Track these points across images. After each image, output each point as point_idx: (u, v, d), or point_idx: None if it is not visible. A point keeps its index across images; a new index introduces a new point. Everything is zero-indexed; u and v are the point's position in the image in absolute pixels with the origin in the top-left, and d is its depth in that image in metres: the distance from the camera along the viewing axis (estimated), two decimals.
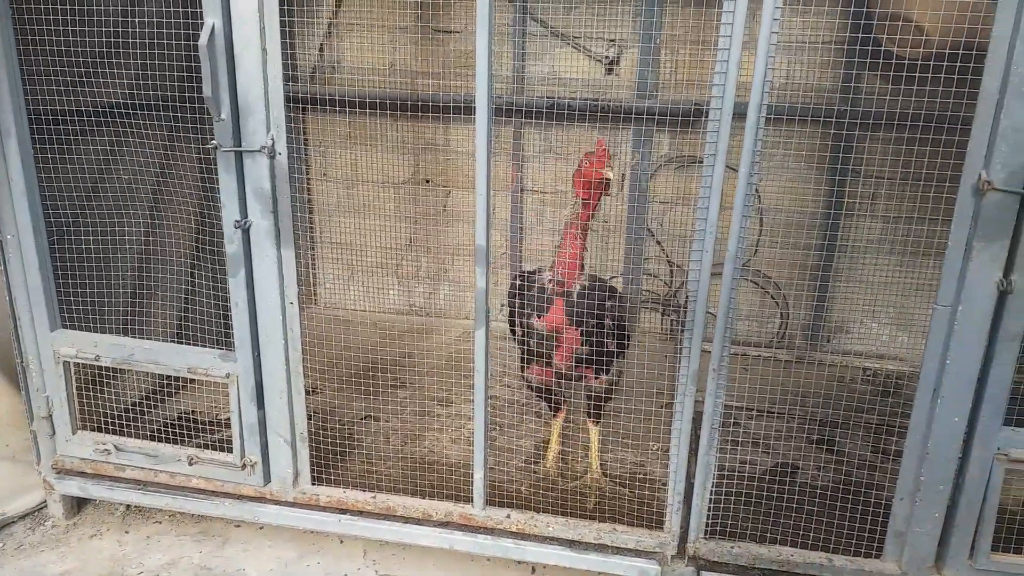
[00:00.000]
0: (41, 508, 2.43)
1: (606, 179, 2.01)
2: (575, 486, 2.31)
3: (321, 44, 3.48)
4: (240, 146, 1.92)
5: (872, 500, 2.20)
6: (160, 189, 2.60)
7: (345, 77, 3.53)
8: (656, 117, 3.25)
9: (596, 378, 2.14)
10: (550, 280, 2.05)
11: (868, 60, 3.04)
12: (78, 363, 2.23)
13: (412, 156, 3.58)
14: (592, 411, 2.26)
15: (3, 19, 1.97)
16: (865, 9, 2.72)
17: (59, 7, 2.05)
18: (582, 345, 2.04)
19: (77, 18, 2.09)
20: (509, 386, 3.06)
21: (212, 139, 1.91)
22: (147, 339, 2.27)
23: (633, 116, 3.27)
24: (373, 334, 3.56)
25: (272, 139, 1.91)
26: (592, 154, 2.04)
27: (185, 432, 2.38)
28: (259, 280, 2.02)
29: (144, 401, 2.52)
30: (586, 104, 3.28)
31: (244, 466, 2.18)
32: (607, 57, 3.34)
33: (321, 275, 3.83)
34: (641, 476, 2.41)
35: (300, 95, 3.50)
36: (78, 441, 2.29)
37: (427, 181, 3.61)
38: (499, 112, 3.35)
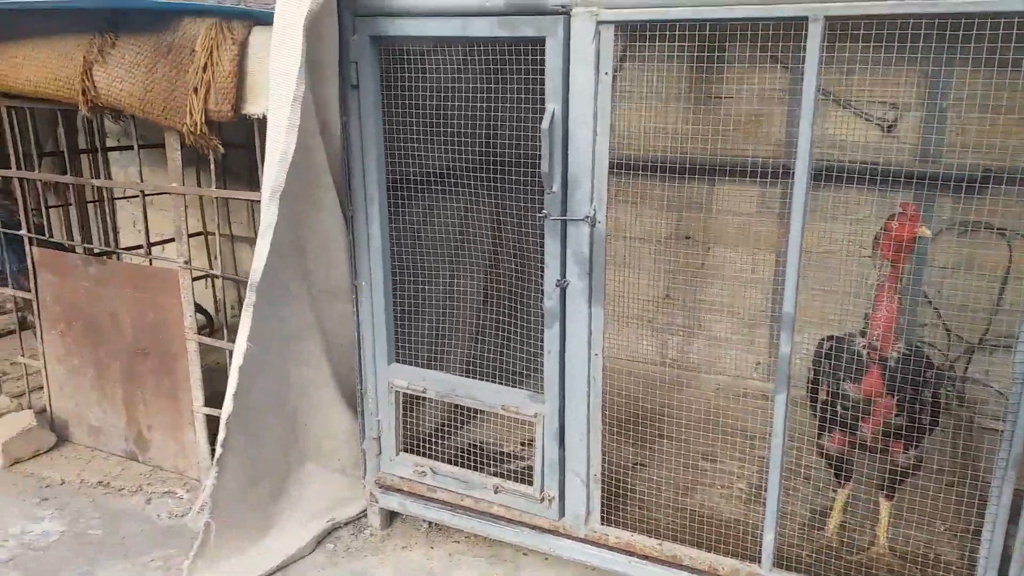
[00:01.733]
0: (360, 517, 2.81)
1: (920, 237, 2.01)
2: (860, 559, 2.28)
3: None
4: (566, 215, 2.17)
5: None
6: (466, 243, 2.96)
7: (616, 139, 3.76)
8: (940, 182, 3.14)
9: (903, 452, 2.12)
10: (865, 345, 2.07)
11: None
12: (406, 393, 2.59)
13: (675, 214, 3.73)
14: (888, 485, 2.23)
15: (376, 107, 2.40)
16: None
17: (418, 94, 2.46)
18: (896, 416, 2.04)
19: (431, 100, 2.48)
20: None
21: (542, 209, 2.18)
22: (468, 377, 2.57)
23: (915, 180, 3.18)
24: (629, 382, 3.71)
25: (594, 209, 2.14)
26: (902, 215, 2.05)
27: (475, 461, 2.66)
28: (570, 332, 2.25)
29: (439, 429, 2.86)
30: (864, 168, 3.24)
31: (543, 499, 2.40)
32: (885, 120, 3.29)
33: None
34: (930, 557, 2.32)
35: None
36: (400, 462, 2.65)
37: (687, 238, 3.73)
38: (770, 174, 3.41)
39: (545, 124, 2.11)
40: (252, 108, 2.51)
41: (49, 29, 2.76)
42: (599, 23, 2.01)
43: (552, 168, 2.14)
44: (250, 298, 2.28)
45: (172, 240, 2.95)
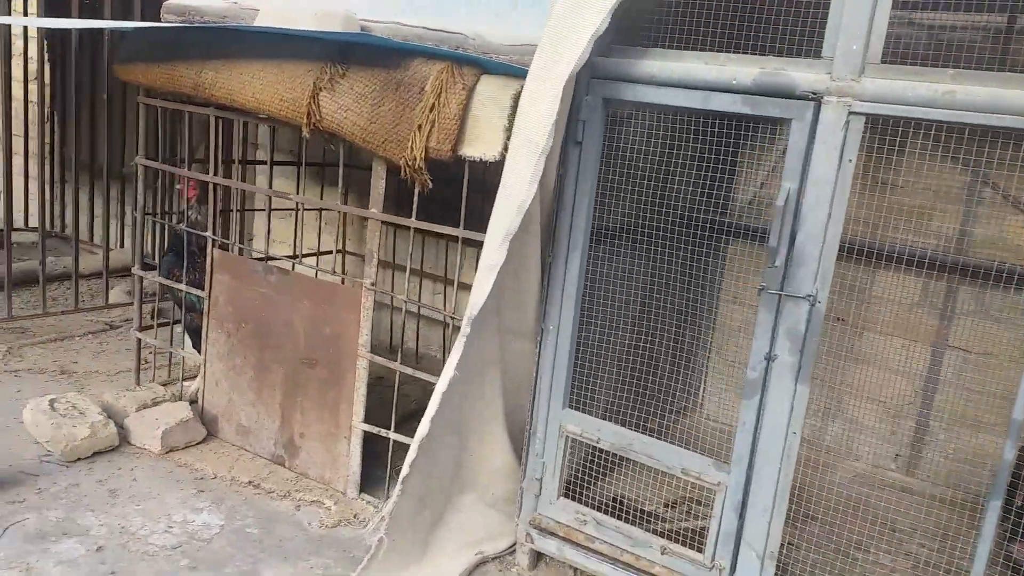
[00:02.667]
0: (507, 554, 2.84)
1: None
2: None
3: (763, 181, 3.81)
4: (785, 291, 2.21)
5: None
6: (651, 298, 3.01)
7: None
8: None
9: None
10: None
11: None
12: (575, 440, 2.64)
13: (830, 294, 3.72)
14: None
15: (595, 164, 2.49)
16: None
17: (623, 151, 2.55)
18: None
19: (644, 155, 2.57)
20: (922, 545, 3.00)
21: (762, 283, 2.23)
22: (645, 434, 2.60)
23: None
24: None
25: (816, 289, 2.17)
26: None
27: (616, 514, 2.66)
28: (770, 407, 2.27)
29: (578, 476, 2.88)
30: None
31: (713, 568, 2.40)
32: None
33: (711, 387, 4.07)
34: None
35: (730, 222, 3.84)
36: (560, 507, 2.68)
37: (839, 320, 3.72)
38: (936, 267, 3.39)
39: (780, 201, 2.16)
40: (468, 150, 2.64)
41: (279, 53, 2.94)
42: (851, 113, 2.07)
43: (779, 244, 2.19)
44: (465, 329, 2.37)
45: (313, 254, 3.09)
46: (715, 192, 3.03)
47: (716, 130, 2.48)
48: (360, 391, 3.04)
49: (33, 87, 5.86)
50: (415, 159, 2.66)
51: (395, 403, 3.04)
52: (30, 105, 5.88)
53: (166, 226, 4.42)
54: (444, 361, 3.26)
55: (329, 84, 2.81)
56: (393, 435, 3.01)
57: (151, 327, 3.88)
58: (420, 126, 2.65)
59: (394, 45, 2.76)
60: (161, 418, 3.31)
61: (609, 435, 2.57)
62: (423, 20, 3.04)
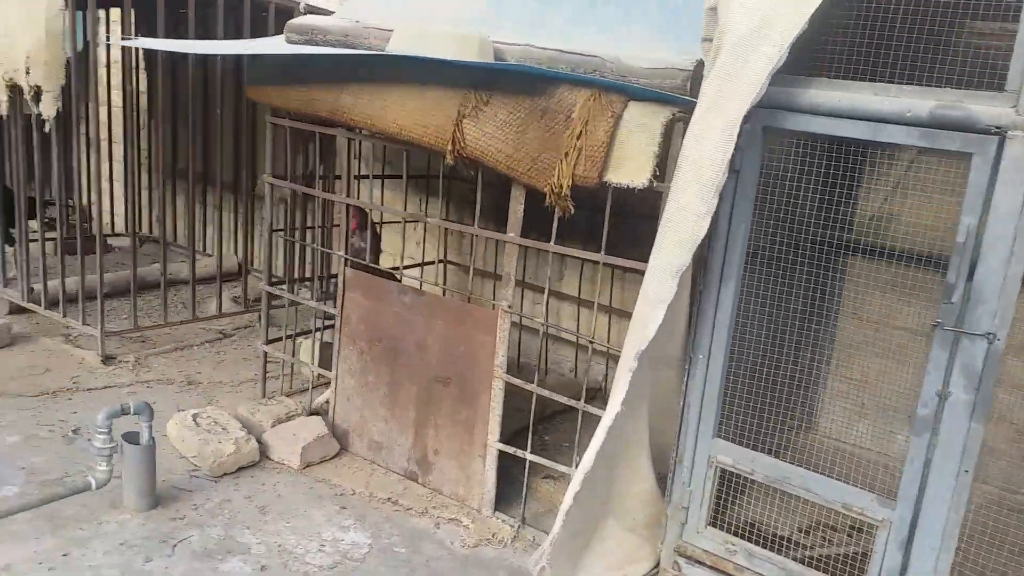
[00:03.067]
0: None
1: None
2: None
3: (886, 197, 3.73)
4: (962, 328, 2.16)
5: None
6: (801, 327, 2.98)
7: (900, 229, 3.72)
8: None
9: None
10: None
11: None
12: (724, 469, 2.63)
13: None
14: None
15: (751, 192, 2.47)
16: None
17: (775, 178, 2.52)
18: None
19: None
20: None
21: (938, 320, 2.19)
22: (802, 467, 2.58)
23: None
24: (885, 475, 3.62)
25: (996, 327, 2.12)
26: None
27: (752, 539, 2.64)
28: (942, 444, 2.23)
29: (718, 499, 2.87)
30: None
31: None
32: None
33: (829, 407, 4.01)
34: None
35: (853, 239, 3.77)
36: (707, 535, 2.68)
37: None
38: None
39: (960, 237, 2.12)
40: (614, 176, 2.64)
41: (419, 79, 2.99)
42: None
43: (957, 280, 2.14)
44: (632, 364, 2.39)
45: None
46: (840, 210, 2.97)
47: (844, 150, 2.46)
48: (496, 411, 3.09)
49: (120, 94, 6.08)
50: (561, 187, 2.68)
51: (532, 425, 3.08)
52: (133, 112, 6.11)
53: (295, 244, 4.52)
54: (573, 378, 3.10)
55: (473, 112, 2.85)
56: (530, 456, 3.05)
57: (279, 339, 4.00)
58: (567, 153, 2.67)
59: (539, 72, 2.77)
60: (298, 433, 3.42)
61: (764, 467, 2.56)
62: (555, 42, 3.06)
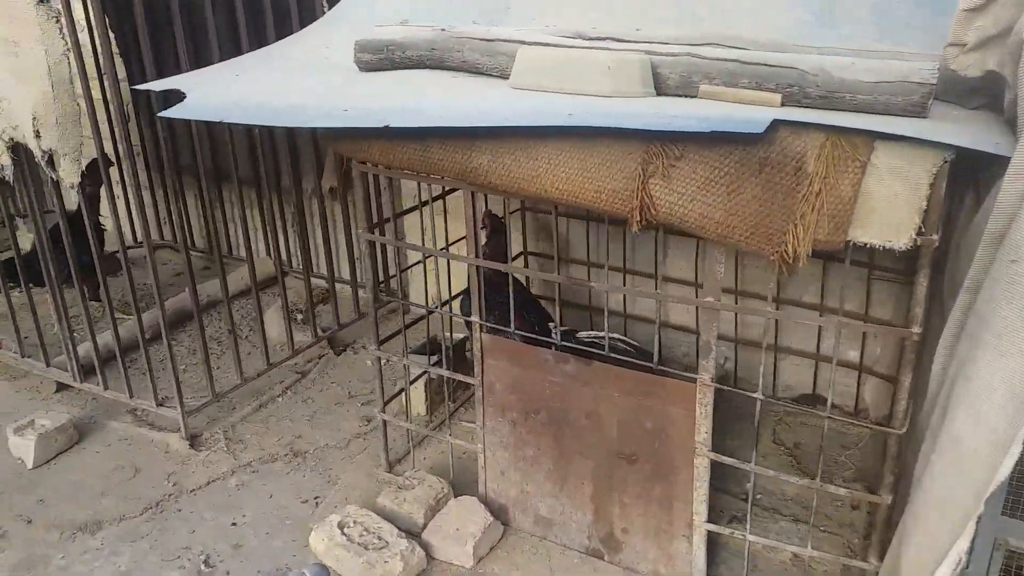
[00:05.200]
0: None
1: None
2: None
3: None
4: None
5: None
6: None
7: None
8: None
9: None
10: None
11: None
12: (1012, 552, 2.32)
13: None
14: None
15: None
16: None
17: None
18: None
19: None
20: None
21: None
22: None
23: None
24: None
25: None
26: None
27: None
28: None
29: None
30: None
31: None
32: None
33: None
34: None
35: None
36: None
37: None
38: None
39: None
40: (860, 234, 2.16)
41: (578, 136, 2.42)
42: None
43: None
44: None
45: None
46: None
47: None
48: (700, 490, 2.72)
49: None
50: (798, 255, 2.20)
51: (750, 508, 2.73)
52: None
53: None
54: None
55: (663, 169, 2.31)
56: (750, 536, 2.72)
57: (397, 396, 3.54)
58: (803, 215, 2.17)
59: (752, 135, 2.18)
60: (462, 527, 3.04)
61: None
62: (727, 51, 2.49)
